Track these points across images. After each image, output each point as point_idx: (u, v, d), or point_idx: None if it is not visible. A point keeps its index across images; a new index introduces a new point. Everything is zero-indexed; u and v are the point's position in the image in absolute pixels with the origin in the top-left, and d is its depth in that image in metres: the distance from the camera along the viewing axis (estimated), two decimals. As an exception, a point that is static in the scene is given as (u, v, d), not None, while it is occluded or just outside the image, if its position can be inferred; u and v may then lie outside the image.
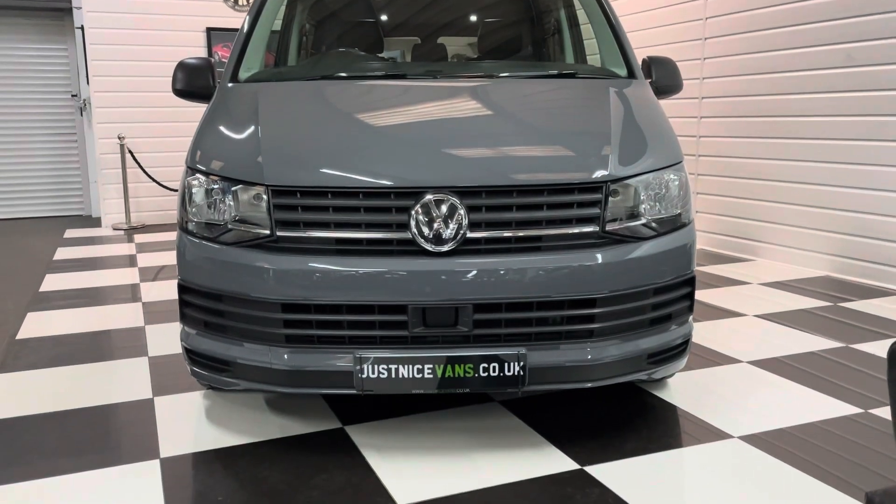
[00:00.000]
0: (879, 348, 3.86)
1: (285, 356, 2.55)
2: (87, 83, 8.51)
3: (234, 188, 2.65)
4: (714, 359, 3.71)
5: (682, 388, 3.30)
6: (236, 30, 8.62)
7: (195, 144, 2.88)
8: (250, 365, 2.60)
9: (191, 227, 2.75)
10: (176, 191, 8.61)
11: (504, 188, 2.55)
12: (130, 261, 6.58)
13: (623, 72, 3.48)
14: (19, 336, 4.29)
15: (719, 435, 2.84)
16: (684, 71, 6.72)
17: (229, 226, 2.64)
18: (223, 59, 8.66)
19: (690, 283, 2.84)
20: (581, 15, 4.14)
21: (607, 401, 3.15)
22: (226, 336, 2.66)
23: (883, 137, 5.15)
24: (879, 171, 5.20)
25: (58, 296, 5.32)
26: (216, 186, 2.69)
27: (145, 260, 6.60)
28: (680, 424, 2.96)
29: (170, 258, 6.62)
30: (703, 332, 4.12)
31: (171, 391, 3.33)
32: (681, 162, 2.88)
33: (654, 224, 2.72)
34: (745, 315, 4.52)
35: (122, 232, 8.27)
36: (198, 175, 2.75)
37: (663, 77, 3.55)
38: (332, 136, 2.76)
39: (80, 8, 8.31)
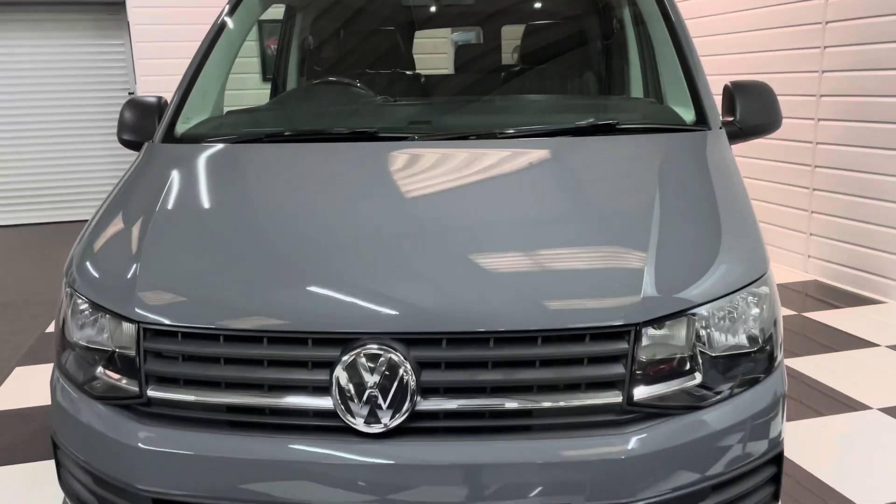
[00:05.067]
0: None
1: (160, 569, 1.78)
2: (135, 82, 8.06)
3: (104, 319, 1.89)
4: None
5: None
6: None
7: (77, 244, 2.13)
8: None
9: (62, 360, 2.02)
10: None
11: (473, 335, 1.68)
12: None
13: (689, 115, 2.47)
14: (-11, 407, 3.76)
15: None
16: (798, 62, 5.51)
17: (97, 372, 1.89)
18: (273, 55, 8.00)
19: (776, 461, 1.87)
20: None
21: None
22: (100, 523, 1.92)
23: None
24: None
25: (60, 341, 4.80)
26: (86, 311, 1.94)
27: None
28: None
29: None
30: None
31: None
32: (764, 274, 1.89)
33: (716, 382, 1.77)
34: (869, 408, 3.43)
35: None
36: (73, 290, 2.00)
37: (753, 113, 2.53)
38: (237, 248, 1.95)
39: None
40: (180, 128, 2.61)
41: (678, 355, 1.75)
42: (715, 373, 1.78)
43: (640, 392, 1.69)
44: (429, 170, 2.24)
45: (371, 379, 1.66)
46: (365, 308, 1.73)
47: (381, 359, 1.66)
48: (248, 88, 7.32)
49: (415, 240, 1.91)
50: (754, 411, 1.80)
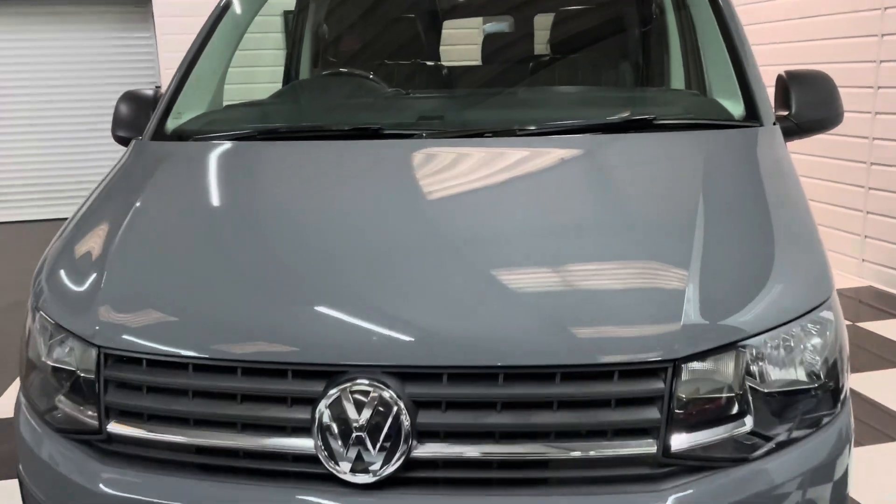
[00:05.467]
0: None
1: None
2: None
3: (66, 341, 1.67)
4: None
5: None
6: (313, 13, 7.71)
7: (44, 257, 1.92)
8: None
9: (27, 383, 1.81)
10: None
11: (479, 370, 1.42)
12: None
13: (738, 109, 2.17)
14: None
15: None
16: (854, 51, 5.14)
17: (57, 401, 1.67)
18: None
19: (841, 519, 1.59)
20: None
21: None
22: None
23: None
24: None
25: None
26: (50, 329, 1.72)
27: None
28: None
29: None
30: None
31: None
32: (828, 298, 1.60)
33: (770, 427, 1.49)
34: (933, 434, 3.10)
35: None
36: (36, 304, 1.80)
37: (810, 107, 2.23)
38: (212, 262, 1.73)
39: (156, -6, 7.70)
40: (171, 123, 2.38)
41: (725, 395, 1.47)
42: (769, 416, 1.50)
43: (679, 441, 1.42)
44: (435, 173, 1.98)
45: (359, 419, 1.41)
46: (353, 336, 1.48)
47: (371, 396, 1.41)
48: (269, 82, 7.12)
49: (412, 256, 1.65)
50: (816, 462, 1.52)
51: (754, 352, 1.49)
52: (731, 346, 1.46)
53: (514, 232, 1.71)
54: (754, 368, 1.49)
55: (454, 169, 1.98)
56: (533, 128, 2.07)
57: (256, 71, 7.11)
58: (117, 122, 2.53)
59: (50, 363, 1.71)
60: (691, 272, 1.53)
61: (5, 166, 8.78)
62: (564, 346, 1.43)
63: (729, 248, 1.63)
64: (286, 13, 7.76)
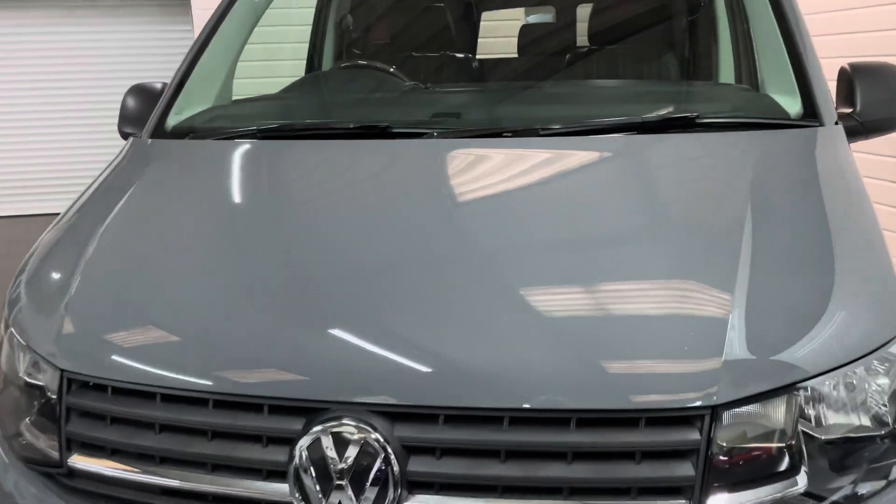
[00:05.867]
0: None
1: None
2: (198, 70, 7.89)
3: (34, 361, 1.52)
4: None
5: None
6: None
7: (21, 266, 1.77)
8: None
9: (-2, 405, 1.67)
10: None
11: (480, 413, 1.22)
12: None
13: (795, 106, 1.91)
14: None
15: None
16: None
17: (22, 426, 1.52)
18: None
19: None
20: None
21: None
22: None
23: None
24: None
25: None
26: (22, 344, 1.57)
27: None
28: None
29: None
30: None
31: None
32: (899, 334, 1.36)
33: (827, 483, 1.26)
34: None
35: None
36: (7, 323, 1.65)
37: (878, 104, 1.98)
38: (187, 279, 1.56)
39: (195, -16, 7.63)
40: (172, 120, 2.22)
41: (774, 446, 1.24)
42: (826, 469, 1.27)
43: (718, 502, 1.20)
44: (443, 180, 1.77)
45: (340, 464, 1.22)
46: (337, 368, 1.29)
47: (355, 438, 1.22)
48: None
49: (407, 278, 1.45)
50: (882, 527, 1.28)
51: (809, 391, 1.27)
52: (782, 390, 1.23)
53: (526, 250, 1.50)
54: (809, 411, 1.27)
55: (465, 175, 1.78)
56: (558, 127, 1.84)
57: (290, 65, 6.98)
58: (124, 118, 2.38)
59: (24, 378, 1.56)
60: (736, 298, 1.31)
61: (45, 159, 8.84)
62: (581, 387, 1.22)
63: (781, 270, 1.40)
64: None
